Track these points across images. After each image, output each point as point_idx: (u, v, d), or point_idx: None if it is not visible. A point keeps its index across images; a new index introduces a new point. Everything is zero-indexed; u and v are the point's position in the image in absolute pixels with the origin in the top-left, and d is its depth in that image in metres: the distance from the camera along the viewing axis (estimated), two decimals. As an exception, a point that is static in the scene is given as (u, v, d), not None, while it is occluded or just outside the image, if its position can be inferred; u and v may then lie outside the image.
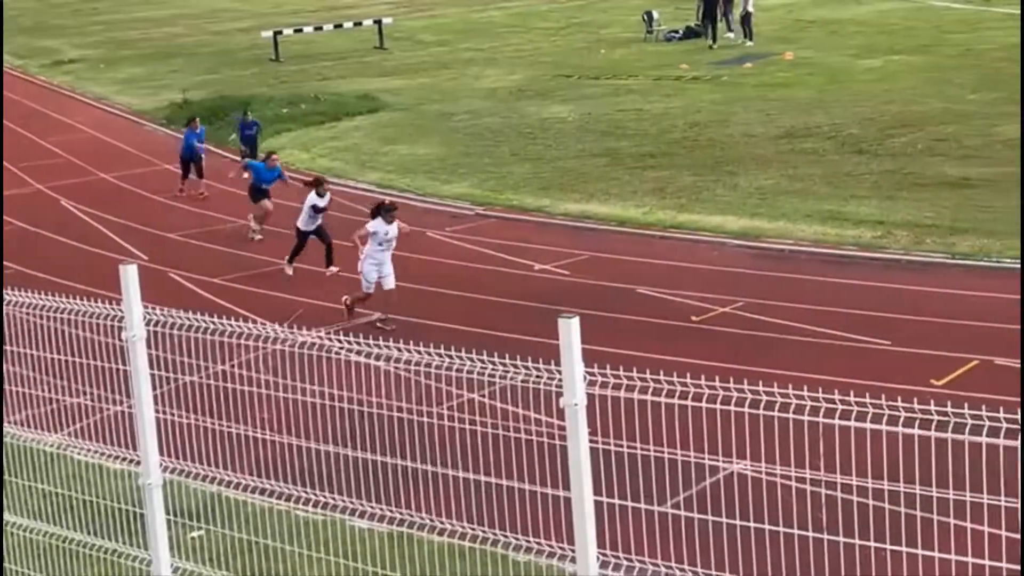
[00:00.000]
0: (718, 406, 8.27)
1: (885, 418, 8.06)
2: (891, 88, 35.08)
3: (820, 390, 7.99)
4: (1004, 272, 19.94)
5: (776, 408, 8.11)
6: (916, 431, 8.00)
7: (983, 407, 7.89)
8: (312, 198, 22.03)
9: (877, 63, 39.46)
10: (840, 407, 8.15)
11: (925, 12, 49.74)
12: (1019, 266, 20.03)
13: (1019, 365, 15.84)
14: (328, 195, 22.32)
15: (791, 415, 8.14)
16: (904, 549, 8.94)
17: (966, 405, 7.79)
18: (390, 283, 19.14)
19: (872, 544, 9.16)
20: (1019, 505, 7.75)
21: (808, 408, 7.94)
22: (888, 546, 8.90)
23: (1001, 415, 7.61)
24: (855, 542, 9.31)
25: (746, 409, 8.22)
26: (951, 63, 38.15)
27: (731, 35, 46.73)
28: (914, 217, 22.95)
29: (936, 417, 7.76)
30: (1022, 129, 24.16)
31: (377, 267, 19.05)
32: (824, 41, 45.02)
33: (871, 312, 18.23)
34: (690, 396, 8.38)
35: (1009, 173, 25.60)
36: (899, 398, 7.97)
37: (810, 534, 8.96)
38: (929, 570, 9.16)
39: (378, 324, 18.62)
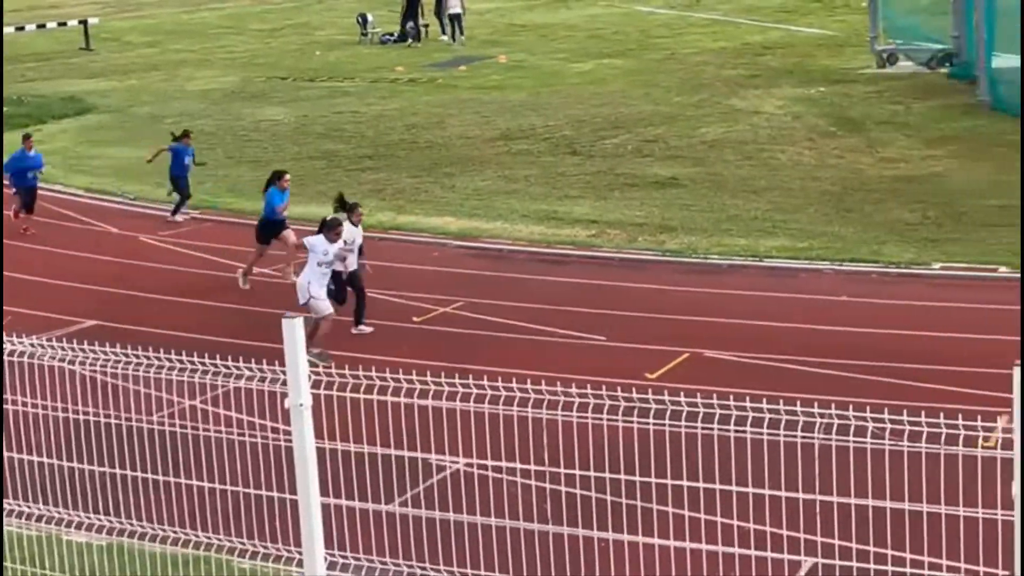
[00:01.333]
0: (443, 403, 8.30)
1: (606, 408, 8.25)
2: (601, 91, 35.97)
3: (543, 384, 8.13)
4: (710, 268, 20.71)
5: (500, 402, 8.20)
6: (635, 421, 8.21)
7: (698, 396, 8.16)
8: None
9: (587, 67, 40.40)
10: (563, 399, 8.31)
11: (631, 17, 51.18)
12: (723, 262, 20.86)
13: (728, 356, 16.47)
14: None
15: (515, 409, 8.25)
16: (626, 537, 9.17)
17: (682, 395, 8.04)
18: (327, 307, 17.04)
19: (595, 534, 9.38)
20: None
21: (532, 401, 8.07)
22: (610, 535, 9.11)
23: (715, 403, 7.89)
24: (579, 532, 9.52)
25: (471, 405, 8.28)
26: (657, 67, 39.36)
27: (445, 38, 47.17)
28: (626, 216, 23.59)
29: (654, 407, 7.99)
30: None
31: (320, 290, 16.87)
32: (536, 45, 45.85)
33: (588, 309, 18.64)
34: (416, 394, 8.39)
35: (713, 173, 26.61)
36: (619, 390, 8.19)
37: (535, 527, 9.11)
38: (649, 556, 9.42)
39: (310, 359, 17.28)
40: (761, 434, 8.04)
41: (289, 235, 20.47)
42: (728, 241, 21.79)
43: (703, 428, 8.20)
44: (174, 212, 25.13)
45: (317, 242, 16.97)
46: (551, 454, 9.68)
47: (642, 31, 47.20)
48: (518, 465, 9.23)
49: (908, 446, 7.74)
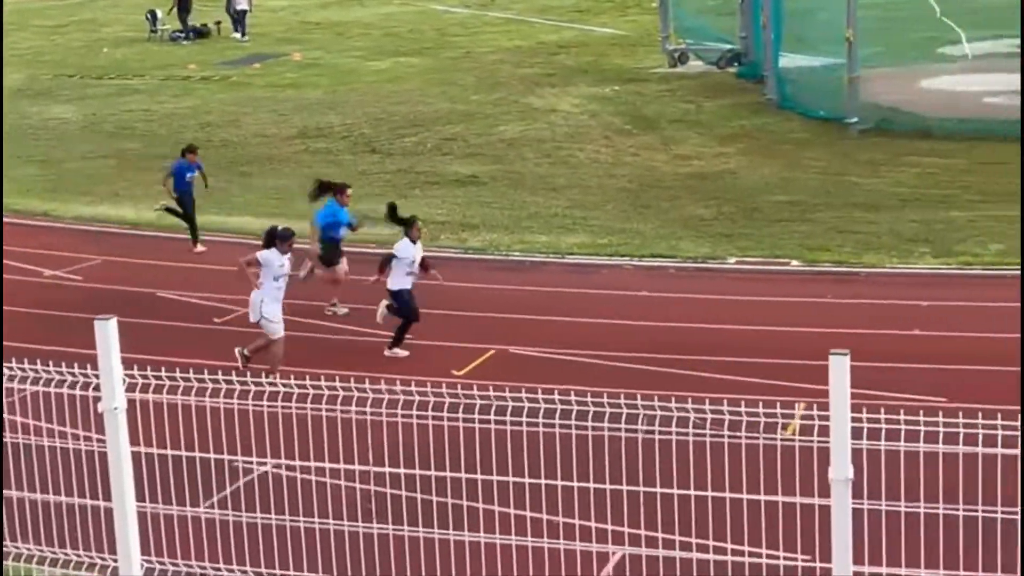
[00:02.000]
0: (250, 403, 8.18)
1: (415, 405, 8.23)
2: (399, 89, 35.91)
3: (352, 382, 8.07)
4: (513, 265, 20.87)
5: (308, 401, 8.12)
6: (444, 418, 8.22)
7: (507, 391, 8.21)
8: (400, 247, 16.85)
9: (384, 65, 40.28)
10: (372, 396, 8.26)
11: (427, 16, 51.21)
12: (525, 259, 21.04)
13: (534, 352, 16.60)
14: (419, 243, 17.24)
15: (324, 408, 8.17)
16: (436, 534, 9.16)
17: (491, 390, 8.08)
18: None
19: (421, 532, 9.35)
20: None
21: (340, 399, 8.01)
22: (436, 532, 9.09)
23: (523, 398, 7.94)
24: (404, 531, 9.47)
25: (279, 405, 8.17)
26: (453, 65, 39.47)
27: (237, 35, 46.53)
28: (428, 214, 23.55)
29: (465, 402, 8.00)
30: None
31: (274, 306, 15.78)
32: (331, 42, 45.53)
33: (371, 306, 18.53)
34: (222, 394, 8.25)
35: (512, 170, 26.81)
36: (429, 386, 8.18)
37: (345, 526, 9.04)
38: (460, 552, 9.42)
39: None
40: (569, 427, 8.13)
41: (338, 268, 18.55)
42: (530, 238, 21.99)
43: (512, 423, 8.25)
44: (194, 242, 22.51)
45: (272, 256, 15.65)
46: (360, 452, 9.63)
47: (438, 29, 47.27)
48: (327, 465, 9.16)
49: (711, 435, 7.91)
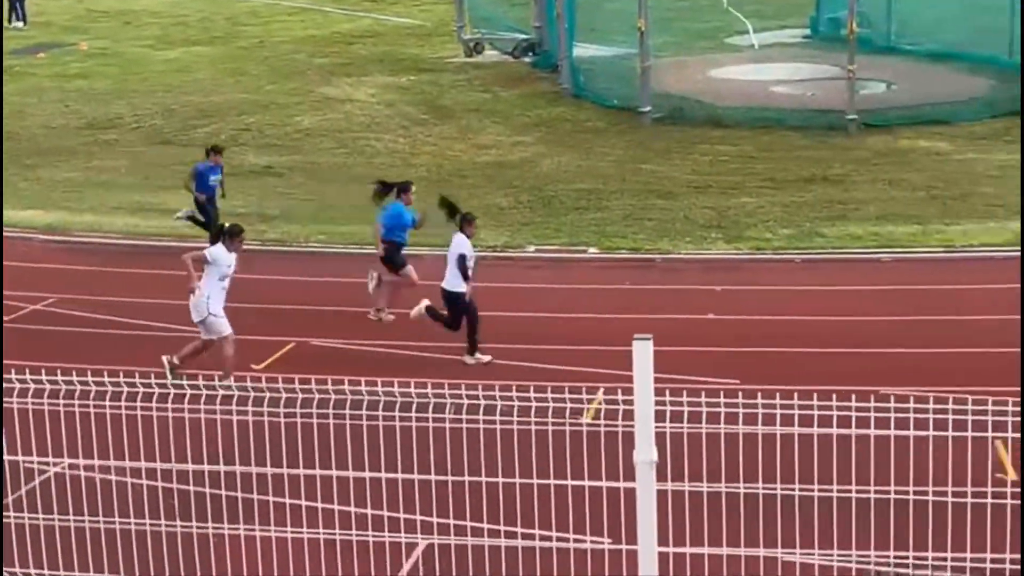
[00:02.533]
0: (45, 402, 7.94)
1: (219, 399, 8.09)
2: (191, 79, 35.22)
3: (137, 378, 7.90)
4: (312, 256, 20.73)
5: (107, 398, 7.91)
6: (249, 411, 8.10)
7: (312, 383, 8.12)
8: (462, 244, 16.01)
9: (175, 54, 39.45)
10: (172, 392, 8.09)
11: (218, 4, 50.28)
12: (325, 250, 20.88)
13: (335, 344, 16.48)
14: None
15: (107, 405, 7.98)
16: (242, 529, 9.02)
17: (297, 383, 7.99)
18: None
19: (226, 529, 9.19)
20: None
21: (124, 395, 7.83)
22: (242, 528, 8.95)
23: (329, 391, 7.87)
24: (208, 528, 9.30)
25: (76, 403, 7.96)
26: (246, 55, 38.88)
27: (20, 24, 45.05)
28: (224, 206, 23.15)
29: (266, 395, 7.89)
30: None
31: (219, 306, 15.10)
32: (119, 31, 44.38)
33: (186, 301, 18.16)
34: (15, 394, 7.98)
35: (309, 161, 26.57)
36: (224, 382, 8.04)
37: (147, 525, 8.84)
38: (267, 547, 9.30)
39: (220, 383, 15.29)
40: (376, 418, 8.09)
41: (409, 269, 17.70)
42: (329, 229, 21.83)
43: (317, 416, 8.16)
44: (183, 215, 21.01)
45: (220, 254, 15.05)
46: (162, 450, 9.43)
47: (229, 18, 46.48)
48: (127, 464, 8.94)
49: (519, 423, 7.95)
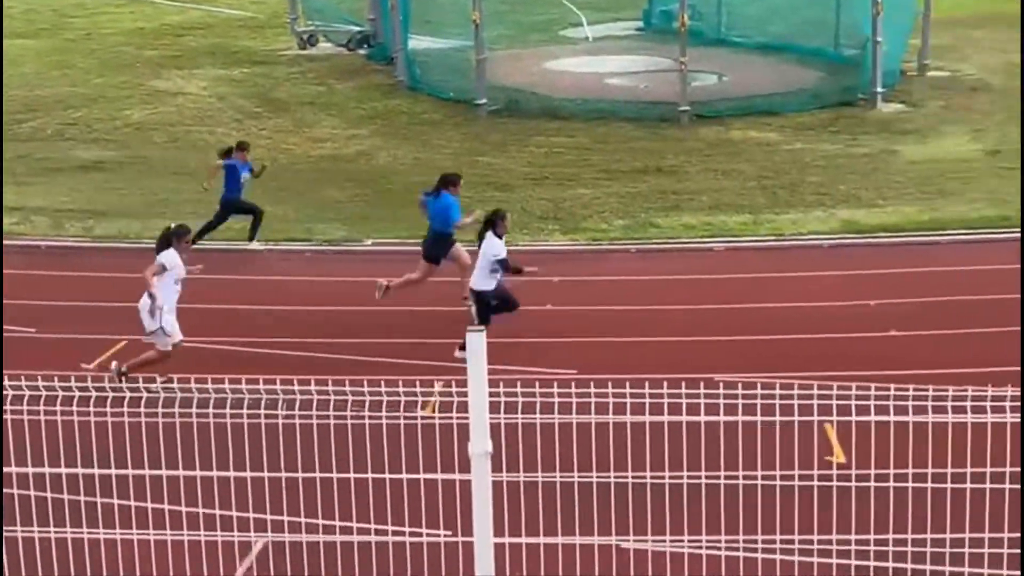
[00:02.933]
0: None
1: (60, 400, 7.88)
2: (14, 72, 34.17)
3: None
4: (142, 251, 20.27)
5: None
6: (74, 412, 7.90)
7: (139, 382, 7.96)
8: (495, 246, 15.86)
9: (-2, 47, 38.35)
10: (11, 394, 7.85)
11: (44, -5, 49.08)
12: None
13: (198, 343, 16.18)
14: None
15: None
16: (69, 532, 8.81)
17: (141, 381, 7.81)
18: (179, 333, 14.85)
19: (69, 533, 8.96)
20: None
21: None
22: (86, 532, 8.74)
23: (158, 389, 7.71)
24: (50, 533, 9.05)
25: None
26: (73, 47, 37.93)
27: None
28: (51, 202, 22.65)
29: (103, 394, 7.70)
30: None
31: (172, 315, 14.65)
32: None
33: (16, 301, 17.70)
34: None
35: (140, 155, 26.05)
36: (56, 380, 7.83)
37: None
38: (95, 550, 9.09)
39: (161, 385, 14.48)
40: (206, 416, 7.95)
41: (461, 252, 17.46)
42: (161, 224, 21.30)
43: (146, 415, 8.00)
44: (252, 236, 20.42)
45: (175, 258, 14.62)
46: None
47: (55, 10, 45.29)
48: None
49: (353, 415, 7.89)
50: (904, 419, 7.62)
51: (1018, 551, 8.35)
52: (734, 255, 20.09)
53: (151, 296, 14.32)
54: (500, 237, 15.89)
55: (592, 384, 7.61)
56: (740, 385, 7.61)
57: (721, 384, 7.96)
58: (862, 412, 7.73)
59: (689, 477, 8.27)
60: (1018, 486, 8.20)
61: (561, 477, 8.30)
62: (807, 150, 25.63)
